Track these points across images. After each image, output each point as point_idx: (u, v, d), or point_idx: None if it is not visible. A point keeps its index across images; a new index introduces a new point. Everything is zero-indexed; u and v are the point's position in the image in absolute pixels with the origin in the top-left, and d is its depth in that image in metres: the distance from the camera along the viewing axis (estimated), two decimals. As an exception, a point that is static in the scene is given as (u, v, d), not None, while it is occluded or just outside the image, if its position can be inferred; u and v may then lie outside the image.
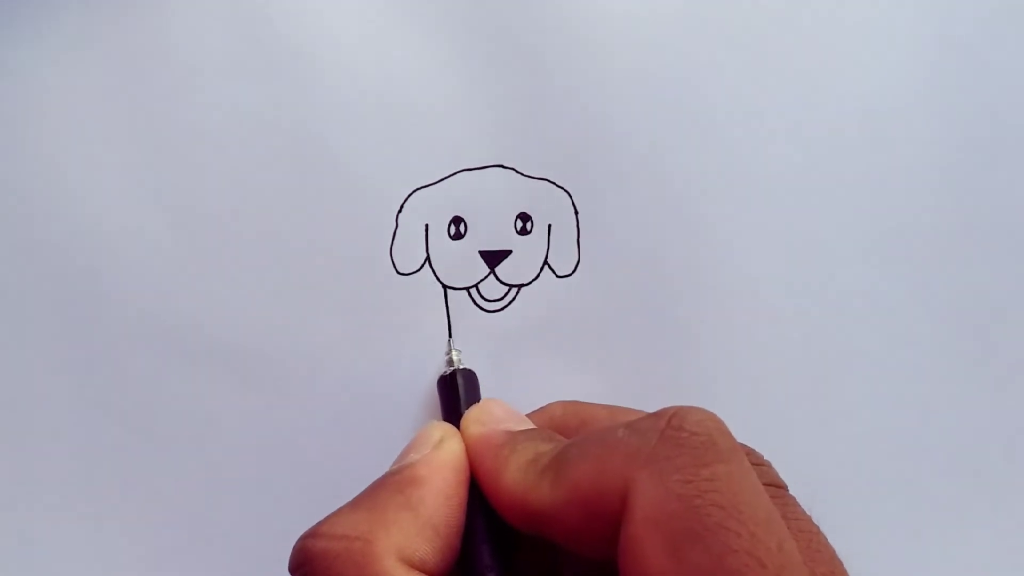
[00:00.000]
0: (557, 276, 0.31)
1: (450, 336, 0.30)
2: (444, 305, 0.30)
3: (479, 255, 0.31)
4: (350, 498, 0.30)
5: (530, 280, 0.31)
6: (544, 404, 0.28)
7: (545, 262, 0.31)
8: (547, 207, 0.31)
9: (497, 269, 0.31)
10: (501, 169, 0.31)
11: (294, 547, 0.22)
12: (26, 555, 0.30)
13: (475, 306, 0.31)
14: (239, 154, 0.30)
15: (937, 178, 0.33)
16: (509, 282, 0.31)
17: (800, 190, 0.32)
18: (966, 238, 0.33)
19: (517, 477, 0.22)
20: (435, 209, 0.30)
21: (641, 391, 0.31)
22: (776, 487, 0.23)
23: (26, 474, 0.30)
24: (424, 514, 0.22)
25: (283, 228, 0.30)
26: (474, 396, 0.28)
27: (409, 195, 0.30)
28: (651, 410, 0.22)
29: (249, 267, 0.30)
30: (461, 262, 0.31)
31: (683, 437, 0.20)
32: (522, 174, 0.31)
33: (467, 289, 0.31)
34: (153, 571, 0.30)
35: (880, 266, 0.33)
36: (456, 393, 0.27)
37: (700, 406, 0.21)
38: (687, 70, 0.31)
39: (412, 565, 0.21)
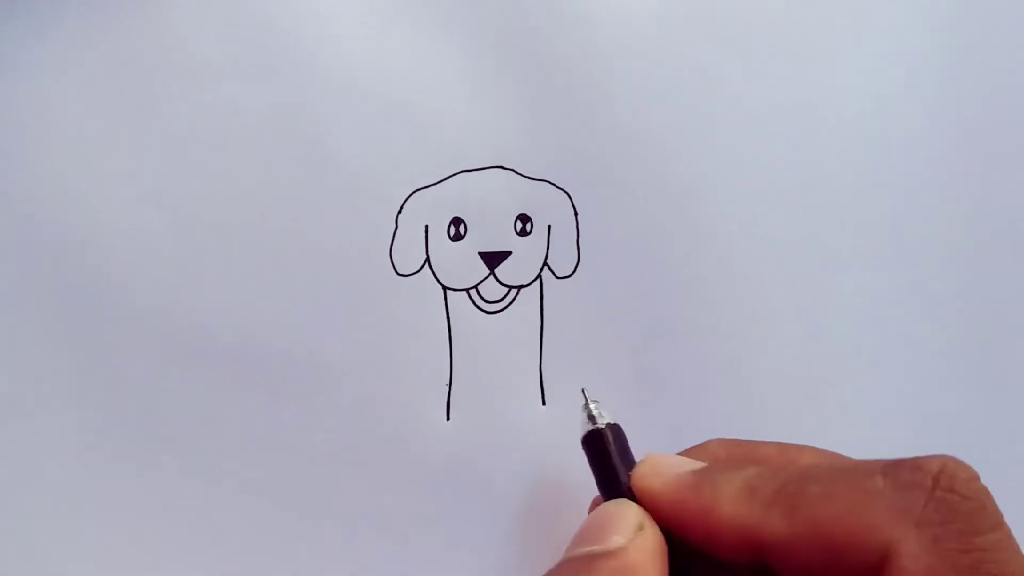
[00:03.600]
0: (557, 277, 0.31)
1: (585, 395, 0.27)
2: (444, 306, 0.30)
3: (479, 256, 0.31)
4: (348, 497, 0.30)
5: (530, 281, 0.31)
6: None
7: (545, 263, 0.31)
8: (547, 208, 0.31)
9: (497, 270, 0.31)
10: (501, 170, 0.31)
11: None
12: (26, 555, 0.30)
13: (475, 307, 0.31)
14: (239, 154, 0.30)
15: (937, 178, 0.33)
16: (509, 283, 0.31)
17: (800, 190, 0.32)
18: (966, 238, 0.33)
19: (738, 508, 0.22)
20: (435, 210, 0.30)
21: (641, 392, 0.31)
22: None
23: (26, 474, 0.30)
24: None
25: (283, 229, 0.30)
26: (625, 451, 0.26)
27: (409, 196, 0.30)
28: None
29: (249, 268, 0.30)
30: (461, 263, 0.31)
31: (955, 501, 0.19)
32: (522, 175, 0.31)
33: (467, 290, 0.31)
34: (153, 571, 0.30)
35: (880, 266, 0.33)
36: (608, 450, 0.26)
37: (955, 457, 0.21)
38: (687, 71, 0.31)
39: None
